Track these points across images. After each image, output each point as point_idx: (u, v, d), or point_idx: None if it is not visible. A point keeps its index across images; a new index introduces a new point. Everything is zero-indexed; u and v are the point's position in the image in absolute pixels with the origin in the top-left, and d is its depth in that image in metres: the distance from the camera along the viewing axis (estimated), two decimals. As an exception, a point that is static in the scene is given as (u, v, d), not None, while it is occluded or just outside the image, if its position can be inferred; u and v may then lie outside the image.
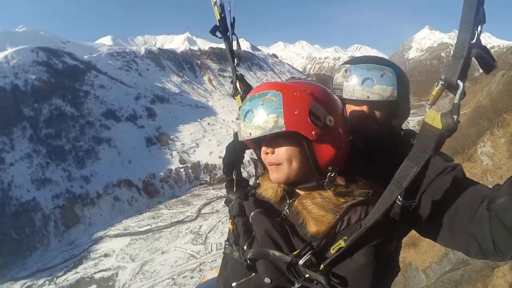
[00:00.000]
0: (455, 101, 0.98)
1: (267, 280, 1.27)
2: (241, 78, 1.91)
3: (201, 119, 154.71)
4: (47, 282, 68.93)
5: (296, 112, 1.23)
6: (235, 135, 1.66)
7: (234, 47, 1.93)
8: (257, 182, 1.64)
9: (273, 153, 1.34)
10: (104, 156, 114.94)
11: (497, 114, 21.86)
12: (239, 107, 1.60)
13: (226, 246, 1.60)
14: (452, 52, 1.00)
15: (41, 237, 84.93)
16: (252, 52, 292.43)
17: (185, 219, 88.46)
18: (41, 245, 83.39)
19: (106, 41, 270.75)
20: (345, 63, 1.77)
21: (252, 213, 1.46)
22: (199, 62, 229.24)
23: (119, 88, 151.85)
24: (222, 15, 1.84)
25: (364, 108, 1.66)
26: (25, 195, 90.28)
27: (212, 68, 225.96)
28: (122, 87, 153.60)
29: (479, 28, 0.93)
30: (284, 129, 1.22)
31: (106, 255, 76.13)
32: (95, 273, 69.85)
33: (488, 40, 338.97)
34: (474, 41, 0.94)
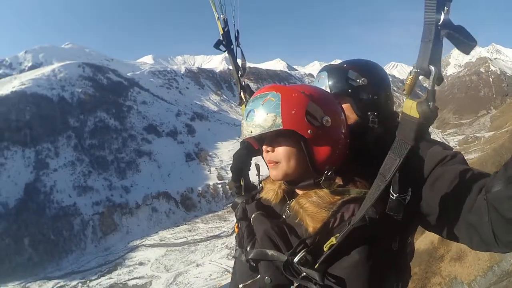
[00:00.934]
0: (428, 88, 0.96)
1: (267, 280, 1.30)
2: (245, 89, 1.97)
3: (238, 137, 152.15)
4: (79, 284, 69.15)
5: (293, 112, 1.30)
6: (242, 143, 1.79)
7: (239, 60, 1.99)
8: (260, 186, 1.71)
9: (273, 151, 1.41)
10: (145, 169, 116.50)
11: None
12: None
13: (236, 249, 1.62)
14: (421, 39, 0.95)
15: (78, 240, 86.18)
16: (288, 72, 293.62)
17: (221, 234, 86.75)
18: (77, 249, 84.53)
19: (147, 60, 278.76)
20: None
21: (253, 215, 1.51)
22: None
23: (160, 104, 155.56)
24: (226, 29, 1.88)
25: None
26: (66, 200, 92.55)
27: (250, 87, 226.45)
28: (163, 104, 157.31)
29: (445, 8, 0.89)
30: (281, 127, 1.30)
31: (141, 264, 75.57)
32: (128, 280, 69.34)
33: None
34: (441, 22, 0.90)
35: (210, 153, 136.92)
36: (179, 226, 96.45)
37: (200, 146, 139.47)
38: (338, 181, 1.40)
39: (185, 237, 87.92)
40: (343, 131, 1.42)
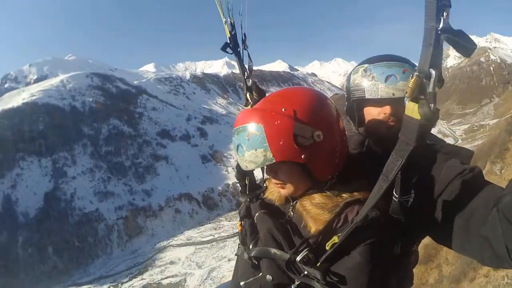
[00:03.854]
0: (429, 90, 0.96)
1: (268, 277, 1.32)
2: (251, 89, 1.95)
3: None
4: (111, 288, 67.26)
5: (281, 143, 1.25)
6: None
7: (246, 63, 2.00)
8: (265, 185, 1.71)
9: (275, 176, 1.40)
10: (163, 172, 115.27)
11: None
12: None
13: (239, 247, 1.64)
14: (422, 42, 0.97)
15: (103, 246, 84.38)
16: (291, 72, 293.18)
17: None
18: (103, 254, 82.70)
19: (149, 68, 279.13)
20: (361, 63, 1.72)
21: (257, 214, 1.51)
22: (241, 84, 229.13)
23: (170, 110, 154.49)
24: (232, 33, 1.89)
25: (387, 108, 1.58)
26: (88, 206, 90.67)
27: (256, 85, 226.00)
28: (172, 109, 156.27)
29: (445, 14, 0.91)
30: (274, 161, 1.27)
31: (172, 263, 73.88)
32: (162, 279, 67.57)
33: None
34: (441, 26, 0.91)
35: (225, 154, 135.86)
36: (203, 225, 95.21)
37: (214, 148, 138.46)
38: (341, 183, 1.39)
39: (212, 235, 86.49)
40: (338, 136, 1.38)
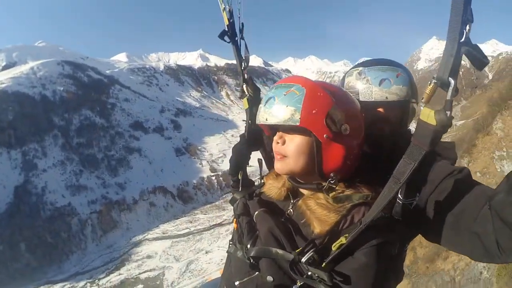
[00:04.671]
0: (447, 98, 1.00)
1: (269, 278, 1.28)
2: (248, 81, 1.87)
3: (224, 131, 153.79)
4: (88, 285, 66.34)
5: (314, 111, 1.25)
6: (242, 136, 1.79)
7: (243, 52, 1.92)
8: (262, 182, 1.66)
9: (283, 144, 1.36)
10: (136, 165, 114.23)
11: (504, 101, 28.29)
12: (245, 109, 1.77)
13: (230, 245, 1.59)
14: (443, 52, 1.01)
15: (77, 241, 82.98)
16: (265, 67, 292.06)
17: (223, 222, 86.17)
18: (77, 249, 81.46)
19: (121, 57, 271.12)
20: (356, 66, 1.78)
21: (256, 212, 1.46)
22: (215, 77, 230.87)
23: (142, 101, 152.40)
24: (231, 21, 1.84)
25: (381, 110, 1.64)
26: (60, 200, 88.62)
27: (229, 84, 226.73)
28: (145, 101, 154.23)
29: (467, 27, 0.94)
30: (298, 124, 1.25)
31: (149, 257, 73.93)
32: (140, 273, 67.59)
33: (496, 47, 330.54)
34: (463, 39, 0.95)
35: (199, 147, 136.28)
36: (179, 218, 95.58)
37: (188, 141, 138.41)
38: (341, 186, 1.36)
39: (188, 228, 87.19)
40: (358, 142, 1.38)
